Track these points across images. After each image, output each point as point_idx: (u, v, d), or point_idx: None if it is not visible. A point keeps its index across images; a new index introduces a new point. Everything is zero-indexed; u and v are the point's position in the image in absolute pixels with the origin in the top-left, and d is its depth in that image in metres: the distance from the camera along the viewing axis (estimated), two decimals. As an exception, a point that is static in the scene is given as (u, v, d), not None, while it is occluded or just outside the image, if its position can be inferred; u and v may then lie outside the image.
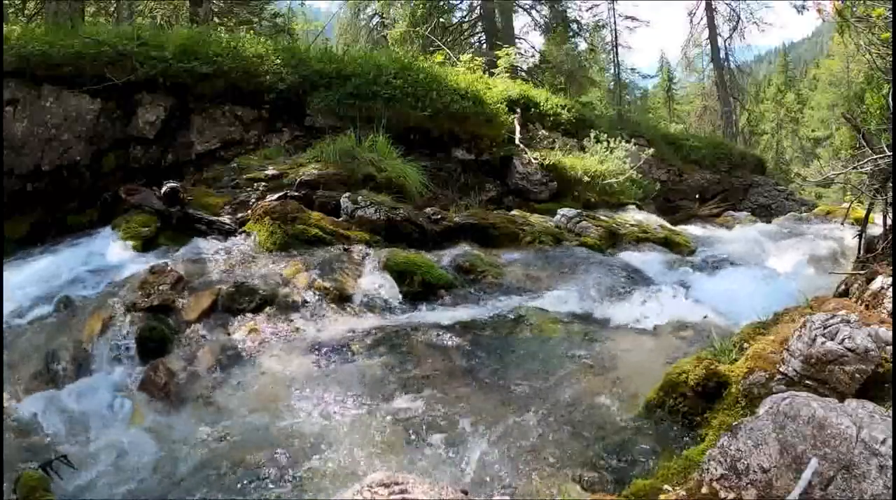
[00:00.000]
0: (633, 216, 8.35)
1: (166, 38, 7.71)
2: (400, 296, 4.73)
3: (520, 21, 22.14)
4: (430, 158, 8.11)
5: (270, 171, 6.55)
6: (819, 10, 5.43)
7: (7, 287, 4.59)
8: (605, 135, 9.92)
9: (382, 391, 3.44)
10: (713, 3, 23.73)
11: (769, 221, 9.72)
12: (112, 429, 3.31)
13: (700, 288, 5.26)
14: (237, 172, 6.75)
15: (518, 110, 9.78)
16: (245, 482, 2.79)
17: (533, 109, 10.38)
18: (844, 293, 3.54)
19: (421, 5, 18.12)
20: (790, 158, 34.59)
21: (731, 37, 23.78)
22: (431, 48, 15.65)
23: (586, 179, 8.81)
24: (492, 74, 11.73)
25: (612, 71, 24.75)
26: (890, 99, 4.21)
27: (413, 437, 3.03)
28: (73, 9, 9.41)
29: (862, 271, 3.51)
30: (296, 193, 6.08)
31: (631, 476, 2.54)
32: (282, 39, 11.21)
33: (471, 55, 13.12)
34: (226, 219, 5.83)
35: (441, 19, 18.55)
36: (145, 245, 5.46)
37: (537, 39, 22.47)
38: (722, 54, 23.85)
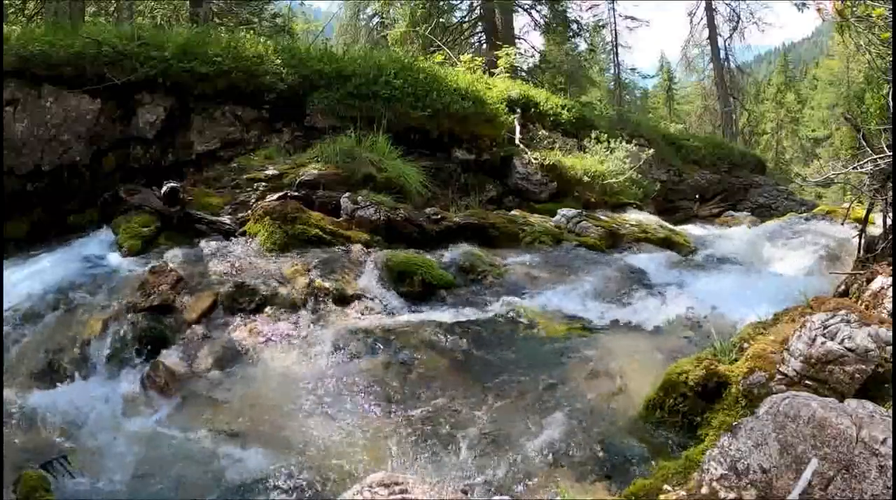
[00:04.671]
0: (633, 216, 8.34)
1: (166, 38, 7.69)
2: (400, 296, 4.72)
3: (520, 21, 22.12)
4: (430, 158, 8.11)
5: (270, 171, 6.54)
6: (819, 10, 5.43)
7: (7, 287, 4.58)
8: (606, 135, 9.92)
9: (382, 391, 3.44)
10: (713, 3, 23.77)
11: (769, 222, 9.70)
12: (112, 429, 3.31)
13: (700, 288, 5.26)
14: (237, 172, 6.74)
15: (518, 110, 9.78)
16: (245, 482, 2.79)
17: (533, 109, 10.37)
18: (844, 293, 3.54)
19: (421, 5, 18.11)
20: (790, 158, 34.61)
21: (731, 37, 23.83)
22: (431, 48, 15.64)
23: (586, 179, 8.81)
24: (492, 74, 11.72)
25: (612, 71, 24.79)
26: (890, 99, 4.21)
27: (413, 437, 3.03)
28: (74, 9, 9.41)
29: (862, 271, 3.52)
30: (296, 194, 6.07)
31: (631, 476, 2.54)
32: (282, 39, 11.20)
33: (471, 55, 13.12)
34: (226, 219, 5.83)
35: (441, 19, 18.53)
36: (145, 245, 5.45)
37: (537, 39, 22.47)
38: (722, 54, 23.88)
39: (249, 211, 5.85)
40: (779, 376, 2.66)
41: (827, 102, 35.41)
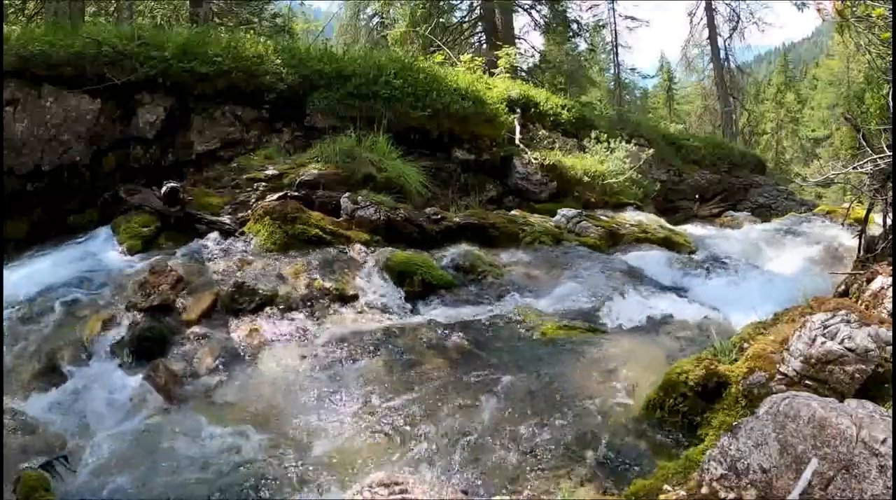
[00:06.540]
0: (633, 216, 8.35)
1: (166, 38, 7.70)
2: (400, 296, 4.73)
3: (520, 21, 22.06)
4: (430, 158, 8.11)
5: (270, 171, 6.54)
6: (819, 10, 5.42)
7: (7, 287, 4.58)
8: (605, 135, 9.92)
9: (383, 391, 3.44)
10: (713, 3, 23.77)
11: (769, 222, 9.71)
12: (112, 429, 3.31)
13: (700, 288, 5.27)
14: (237, 172, 6.75)
15: (518, 110, 9.78)
16: (245, 482, 2.79)
17: (533, 109, 10.37)
18: (844, 293, 3.54)
19: (421, 5, 18.10)
20: (790, 158, 34.60)
21: (731, 37, 23.83)
22: (431, 48, 15.64)
23: (586, 179, 8.82)
24: (492, 74, 11.73)
25: (612, 71, 24.79)
26: (890, 99, 4.21)
27: (414, 437, 3.03)
28: (74, 9, 9.41)
29: (862, 271, 3.51)
30: (296, 193, 6.08)
31: (631, 476, 2.54)
32: (282, 39, 11.20)
33: (471, 55, 13.12)
34: (226, 219, 5.83)
35: (441, 19, 18.52)
36: (145, 245, 5.46)
37: (537, 39, 22.46)
38: (722, 54, 23.88)
39: (249, 211, 5.86)
40: (779, 376, 2.66)
41: (827, 102, 35.41)
